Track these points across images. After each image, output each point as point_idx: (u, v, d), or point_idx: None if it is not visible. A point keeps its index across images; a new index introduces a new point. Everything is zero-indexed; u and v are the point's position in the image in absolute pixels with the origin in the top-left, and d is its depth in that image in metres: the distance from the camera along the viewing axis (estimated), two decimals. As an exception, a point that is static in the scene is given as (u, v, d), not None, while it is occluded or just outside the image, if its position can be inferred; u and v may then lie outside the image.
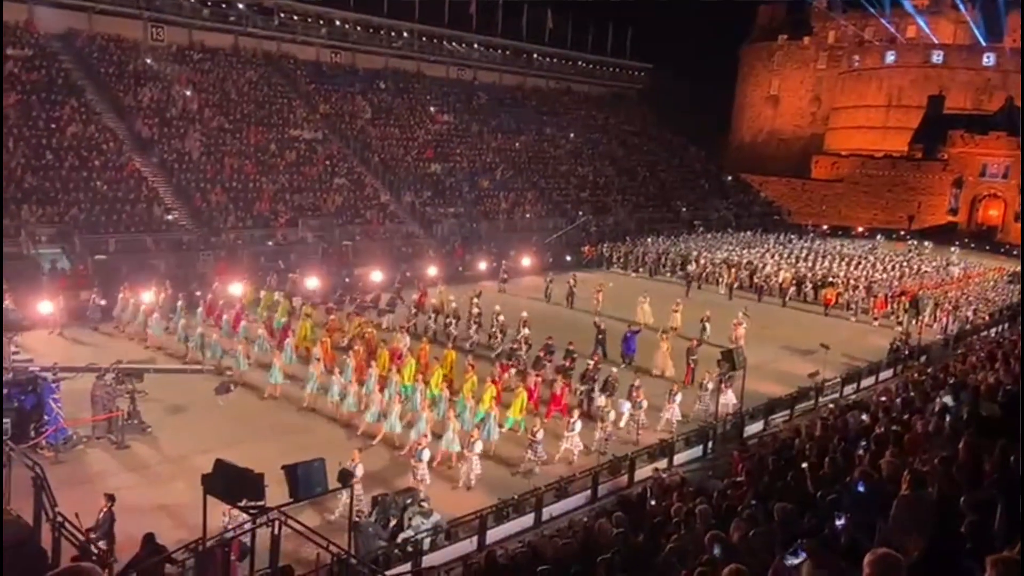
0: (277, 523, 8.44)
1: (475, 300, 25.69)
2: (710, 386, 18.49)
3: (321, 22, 50.24)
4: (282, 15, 48.23)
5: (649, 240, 44.26)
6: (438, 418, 16.10)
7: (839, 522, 6.21)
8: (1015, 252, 53.20)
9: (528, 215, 45.70)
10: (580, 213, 46.50)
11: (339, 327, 23.16)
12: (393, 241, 37.13)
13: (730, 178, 66.62)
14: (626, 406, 16.97)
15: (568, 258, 40.60)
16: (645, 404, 17.30)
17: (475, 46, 58.83)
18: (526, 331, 22.53)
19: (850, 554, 4.92)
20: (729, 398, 18.49)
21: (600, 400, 17.42)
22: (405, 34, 54.52)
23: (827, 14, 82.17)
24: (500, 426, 16.01)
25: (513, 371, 19.61)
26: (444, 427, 15.30)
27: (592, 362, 19.60)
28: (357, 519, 11.41)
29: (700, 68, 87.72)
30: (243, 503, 8.99)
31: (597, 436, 15.74)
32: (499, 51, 60.40)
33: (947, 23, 77.39)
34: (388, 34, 53.59)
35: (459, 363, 19.55)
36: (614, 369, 19.55)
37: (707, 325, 25.30)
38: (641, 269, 39.99)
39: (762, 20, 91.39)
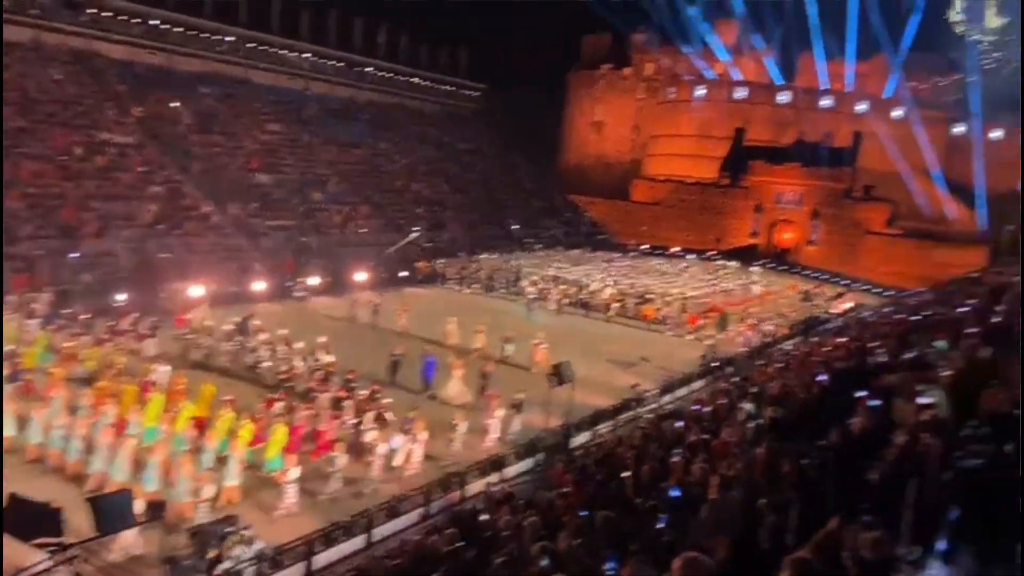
0: (77, 561, 7.85)
1: (249, 323, 23.67)
2: (499, 411, 18.04)
3: (136, 20, 47.17)
4: (91, 10, 44.79)
5: (482, 257, 45.11)
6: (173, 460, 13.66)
7: (659, 526, 6.69)
8: (806, 272, 59.17)
9: (362, 229, 45.14)
10: (414, 229, 46.53)
11: (74, 355, 19.66)
12: (216, 254, 35.39)
13: (560, 198, 69.28)
14: (398, 440, 15.88)
15: (403, 274, 40.51)
16: (424, 436, 16.16)
17: (306, 55, 57.53)
18: (329, 358, 20.81)
19: (670, 556, 5.31)
20: (514, 426, 18.34)
21: (370, 434, 16.10)
22: (230, 38, 52.31)
23: (645, 48, 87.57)
24: (260, 467, 14.71)
25: (281, 404, 17.15)
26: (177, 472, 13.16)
27: (368, 392, 18.25)
28: (172, 554, 10.75)
29: (533, 90, 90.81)
30: (41, 540, 8.29)
31: (374, 471, 15.06)
32: (331, 62, 59.42)
33: (749, 62, 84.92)
34: (211, 37, 51.23)
35: (222, 396, 17.00)
36: (390, 399, 18.21)
37: (508, 345, 25.11)
38: (476, 285, 40.64)
39: (587, 49, 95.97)
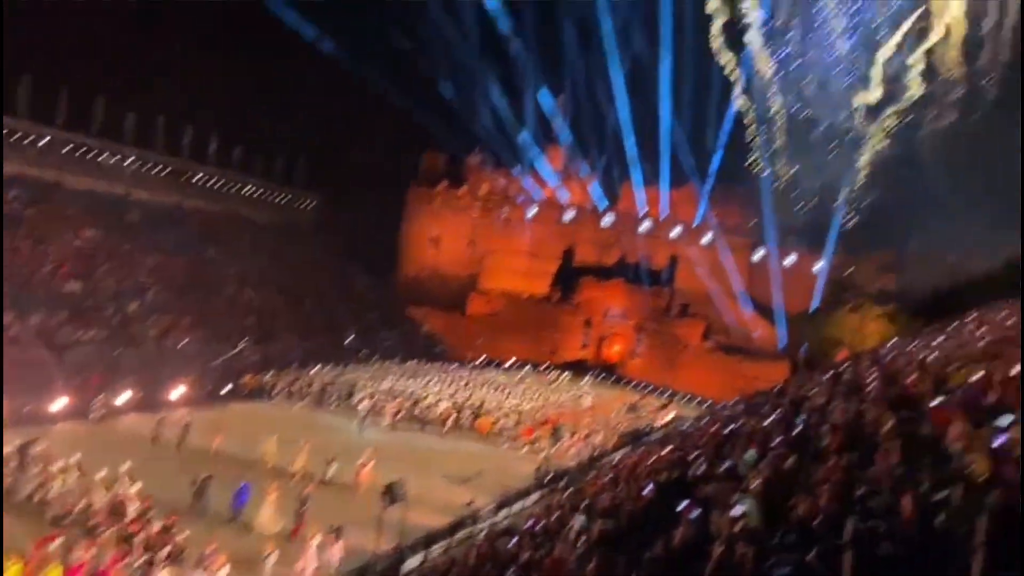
0: None
1: (32, 448, 20.77)
2: (315, 539, 17.04)
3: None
4: None
5: (314, 370, 43.71)
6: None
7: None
8: (633, 384, 62.04)
9: (184, 341, 42.57)
10: (242, 343, 44.49)
11: None
12: (13, 370, 31.88)
13: (397, 310, 69.19)
14: None
15: (227, 389, 38.36)
16: (224, 572, 15.02)
17: (129, 160, 55.20)
18: (133, 486, 18.36)
19: None
20: (333, 554, 17.33)
21: (162, 573, 14.85)
22: (44, 140, 49.39)
23: (480, 169, 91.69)
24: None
25: (58, 542, 14.71)
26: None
27: (163, 524, 16.61)
28: None
29: (371, 203, 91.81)
30: None
31: None
32: (158, 167, 57.34)
33: (576, 187, 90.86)
34: (22, 139, 48.09)
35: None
36: (187, 532, 16.80)
37: (332, 466, 24.06)
38: (307, 399, 39.10)
39: (425, 166, 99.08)
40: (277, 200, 69.52)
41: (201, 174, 61.03)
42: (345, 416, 35.82)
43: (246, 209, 64.99)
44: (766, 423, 15.67)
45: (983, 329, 17.77)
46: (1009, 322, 16.97)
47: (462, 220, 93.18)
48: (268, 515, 19.14)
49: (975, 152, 67.68)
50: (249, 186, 65.98)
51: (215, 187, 62.37)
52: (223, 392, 37.87)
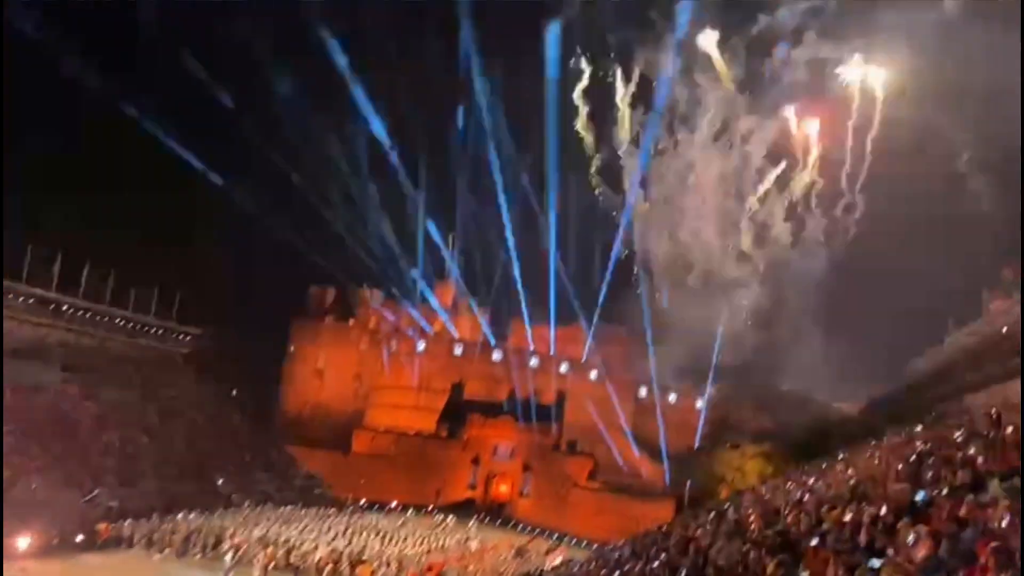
0: None
1: None
2: None
3: None
4: None
5: (180, 516, 40.38)
6: None
7: None
8: (520, 526, 60.60)
9: (33, 486, 38.64)
10: (95, 491, 40.58)
11: None
12: None
13: (275, 450, 65.77)
14: None
15: (79, 538, 34.79)
16: None
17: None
18: None
19: None
20: None
21: None
22: None
23: (369, 302, 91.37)
24: None
25: None
26: None
27: None
28: None
29: (252, 336, 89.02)
30: None
31: None
32: (20, 298, 53.95)
33: (466, 322, 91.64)
34: None
35: None
36: None
37: None
38: (168, 549, 35.81)
39: (312, 300, 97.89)
40: (151, 332, 66.28)
41: (67, 306, 57.70)
42: (207, 569, 32.93)
43: (116, 342, 61.51)
44: (653, 566, 15.52)
45: (851, 471, 18.56)
46: (874, 462, 17.83)
47: (349, 353, 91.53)
48: None
49: (838, 297, 73.53)
50: (120, 318, 62.73)
51: (84, 318, 58.97)
52: (76, 541, 34.42)
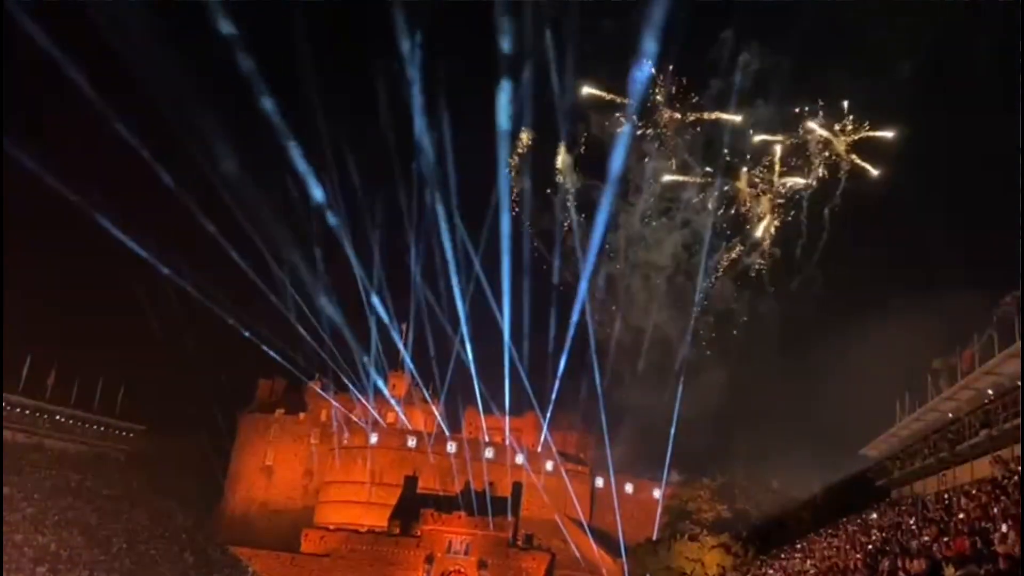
0: None
1: None
2: None
3: None
4: None
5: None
6: None
7: None
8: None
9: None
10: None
11: None
12: None
13: (218, 551, 62.79)
14: None
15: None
16: None
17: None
18: None
19: None
20: None
21: None
22: None
23: (320, 395, 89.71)
24: None
25: None
26: None
27: None
28: None
29: (199, 431, 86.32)
30: None
31: None
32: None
33: (419, 413, 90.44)
34: None
35: None
36: None
37: None
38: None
39: (262, 393, 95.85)
40: (92, 429, 63.80)
41: (5, 403, 55.46)
42: None
43: (55, 439, 58.99)
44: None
45: (809, 562, 18.63)
46: (832, 552, 17.95)
47: (299, 448, 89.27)
48: None
49: (792, 386, 74.81)
50: (60, 415, 60.38)
51: (23, 415, 56.61)
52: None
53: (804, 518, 50.07)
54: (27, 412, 57.02)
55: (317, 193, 63.43)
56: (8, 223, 69.01)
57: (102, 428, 64.76)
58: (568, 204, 72.61)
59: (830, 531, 26.35)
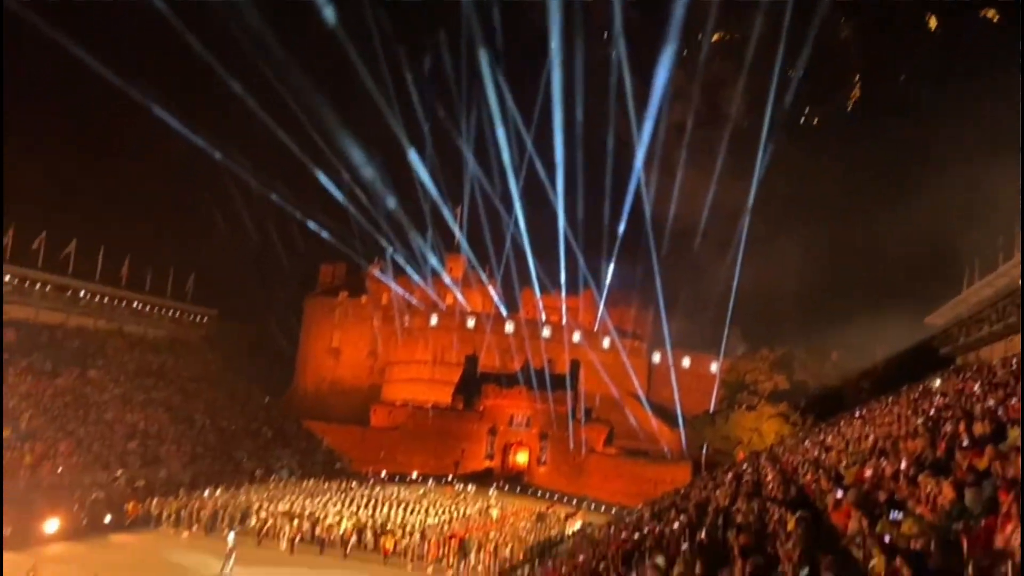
0: None
1: None
2: None
3: None
4: None
5: (206, 493, 41.05)
6: None
7: None
8: (540, 493, 61.26)
9: (60, 469, 39.33)
10: (119, 471, 41.06)
11: None
12: None
13: (294, 426, 66.57)
14: None
15: (108, 519, 35.51)
16: None
17: (7, 278, 52.34)
18: None
19: None
20: None
21: None
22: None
23: (380, 278, 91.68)
24: None
25: None
26: None
27: None
28: None
29: (267, 316, 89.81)
30: None
31: None
32: (37, 285, 54.53)
33: (477, 295, 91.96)
34: None
35: None
36: None
37: None
38: (195, 526, 36.48)
39: (324, 277, 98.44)
40: (167, 315, 66.87)
41: (85, 291, 58.29)
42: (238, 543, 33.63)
43: (133, 325, 62.12)
44: (672, 528, 15.74)
45: (869, 428, 18.66)
46: (893, 419, 17.92)
47: (363, 330, 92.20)
48: None
49: (852, 254, 73.07)
50: (136, 302, 63.33)
51: (101, 303, 59.56)
52: (105, 522, 35.16)
53: (864, 388, 50.08)
54: (105, 300, 59.87)
55: (367, 80, 62.60)
56: (85, 130, 70.61)
57: (176, 313, 67.77)
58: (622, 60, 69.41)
59: (891, 399, 26.36)
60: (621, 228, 76.67)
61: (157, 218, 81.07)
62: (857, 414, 28.16)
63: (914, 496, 7.99)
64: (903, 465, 9.23)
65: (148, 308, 64.80)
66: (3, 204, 44.11)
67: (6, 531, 30.02)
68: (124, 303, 61.77)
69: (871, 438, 14.68)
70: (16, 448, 38.27)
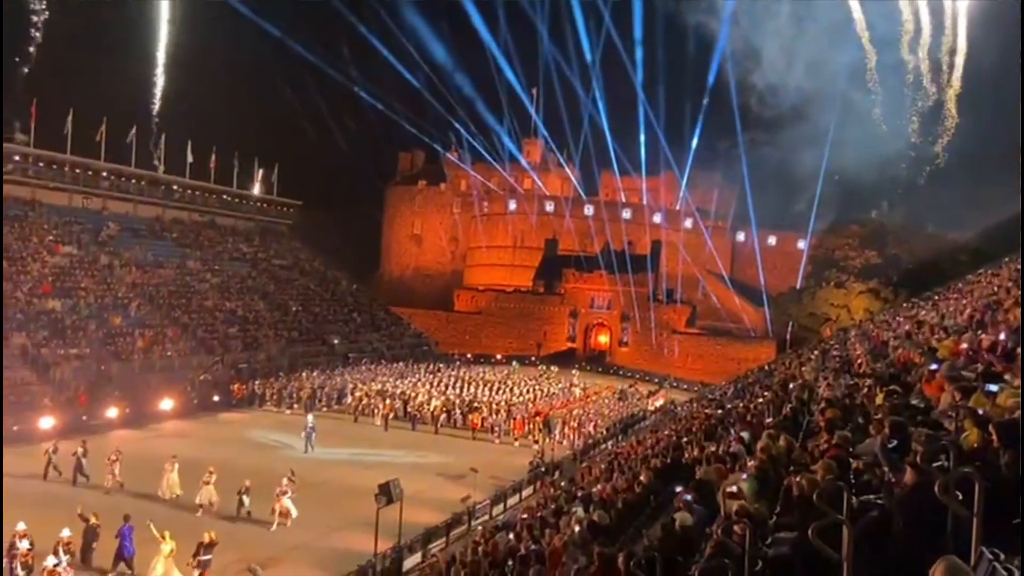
0: None
1: None
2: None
3: None
4: None
5: (304, 375, 43.45)
6: None
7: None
8: (621, 372, 62.19)
9: (169, 353, 42.19)
10: (217, 359, 43.30)
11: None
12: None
13: (382, 311, 68.92)
14: None
15: (216, 399, 38.24)
16: None
17: (104, 174, 54.61)
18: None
19: None
20: None
21: None
22: (16, 157, 48.83)
23: (458, 165, 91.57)
24: None
25: None
26: None
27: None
28: None
29: (350, 204, 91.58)
30: None
31: None
32: (132, 180, 56.81)
33: (555, 178, 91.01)
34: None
35: None
36: None
37: (245, 498, 20.17)
38: (296, 405, 38.87)
39: (403, 165, 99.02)
40: (257, 205, 68.98)
41: (177, 185, 60.47)
42: (336, 419, 35.82)
43: (225, 217, 64.44)
44: (757, 403, 15.74)
45: (966, 300, 17.89)
46: (992, 290, 17.10)
47: (443, 217, 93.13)
48: (163, 569, 15.11)
49: (947, 124, 68.21)
50: (226, 195, 65.43)
51: (193, 196, 61.81)
52: (213, 401, 37.89)
53: (962, 260, 47.89)
54: (197, 192, 62.03)
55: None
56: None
57: (264, 204, 69.79)
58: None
59: (991, 271, 25.09)
60: (703, 104, 73.66)
61: (239, 113, 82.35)
62: (953, 288, 27.01)
63: (1011, 369, 7.66)
64: (1001, 336, 8.83)
65: (237, 200, 66.93)
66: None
67: (124, 410, 32.77)
68: (214, 195, 63.93)
69: (967, 311, 14.09)
70: (128, 335, 41.07)
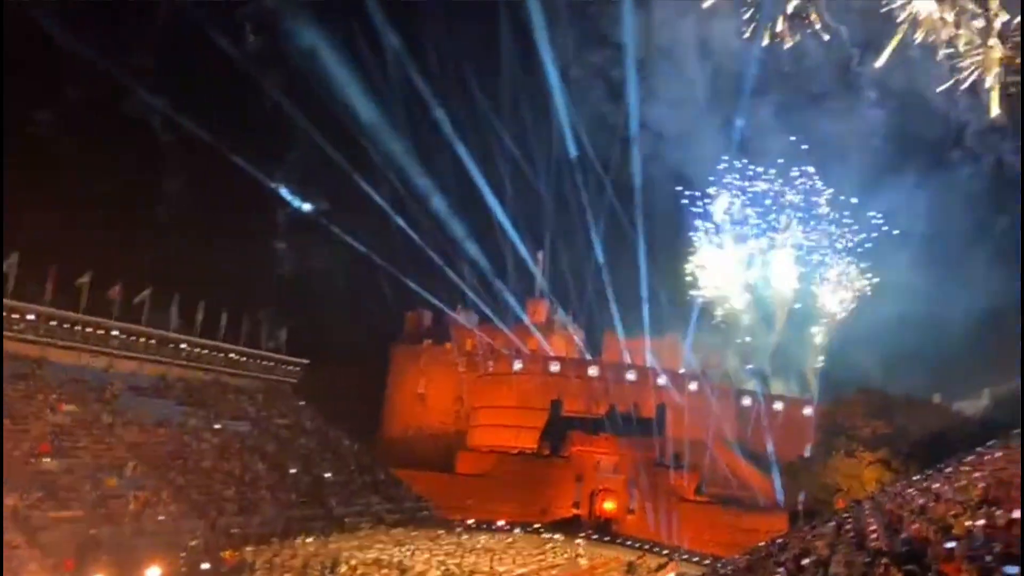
0: None
1: None
2: None
3: None
4: None
5: (297, 542, 41.87)
6: None
7: None
8: (628, 542, 59.81)
9: (161, 517, 40.90)
10: (221, 516, 42.25)
11: None
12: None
13: (383, 472, 67.34)
14: None
15: (205, 566, 36.62)
16: None
17: (114, 332, 55.47)
18: None
19: None
20: None
21: None
22: (29, 316, 49.82)
23: (464, 324, 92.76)
24: None
25: None
26: None
27: None
28: None
29: (355, 364, 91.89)
30: None
31: None
32: (141, 339, 57.59)
33: (560, 339, 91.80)
34: (9, 315, 48.34)
35: None
36: None
37: None
38: (288, 574, 37.13)
39: (409, 325, 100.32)
40: (261, 364, 69.41)
41: (185, 343, 61.27)
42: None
43: (230, 376, 64.71)
44: (772, 580, 15.14)
45: (978, 474, 17.61)
46: (1003, 464, 16.87)
47: (448, 375, 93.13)
48: None
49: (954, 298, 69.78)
50: (232, 353, 66.09)
51: (200, 354, 62.43)
52: (202, 569, 36.25)
53: (971, 432, 47.24)
54: (205, 351, 62.65)
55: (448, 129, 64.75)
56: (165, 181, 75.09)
57: (270, 363, 70.22)
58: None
59: (1001, 443, 24.75)
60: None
61: (249, 268, 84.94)
62: (964, 460, 26.55)
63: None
64: (1016, 515, 8.69)
65: (244, 358, 67.44)
66: (3, 231, 46.31)
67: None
68: (221, 354, 64.50)
69: (982, 486, 13.84)
70: (121, 496, 40.05)
